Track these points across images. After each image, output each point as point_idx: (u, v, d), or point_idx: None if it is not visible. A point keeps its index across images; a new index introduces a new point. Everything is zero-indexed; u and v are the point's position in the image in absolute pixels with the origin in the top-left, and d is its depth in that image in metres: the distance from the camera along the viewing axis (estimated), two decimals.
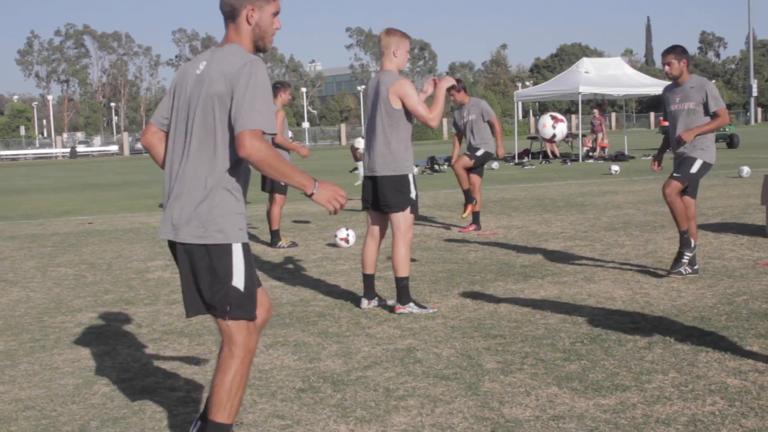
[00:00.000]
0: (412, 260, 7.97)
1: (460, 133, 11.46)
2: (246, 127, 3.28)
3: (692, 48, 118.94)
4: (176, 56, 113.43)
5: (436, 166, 26.48)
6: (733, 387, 4.43)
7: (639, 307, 6.34)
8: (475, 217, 11.28)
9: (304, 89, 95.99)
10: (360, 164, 17.85)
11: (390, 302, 6.69)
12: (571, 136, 33.94)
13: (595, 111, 31.72)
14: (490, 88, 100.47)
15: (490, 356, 5.19)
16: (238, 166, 3.45)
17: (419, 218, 12.30)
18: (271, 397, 4.58)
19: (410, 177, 6.44)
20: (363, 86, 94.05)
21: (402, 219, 6.41)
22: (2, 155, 70.46)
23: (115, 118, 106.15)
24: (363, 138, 11.44)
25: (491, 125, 11.10)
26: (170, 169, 3.50)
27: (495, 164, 25.79)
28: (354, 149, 21.39)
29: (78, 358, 5.54)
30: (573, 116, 58.87)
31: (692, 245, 7.38)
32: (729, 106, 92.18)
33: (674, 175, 7.34)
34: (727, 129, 31.62)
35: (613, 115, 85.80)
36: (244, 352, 3.45)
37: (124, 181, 28.89)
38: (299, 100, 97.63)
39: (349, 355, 5.35)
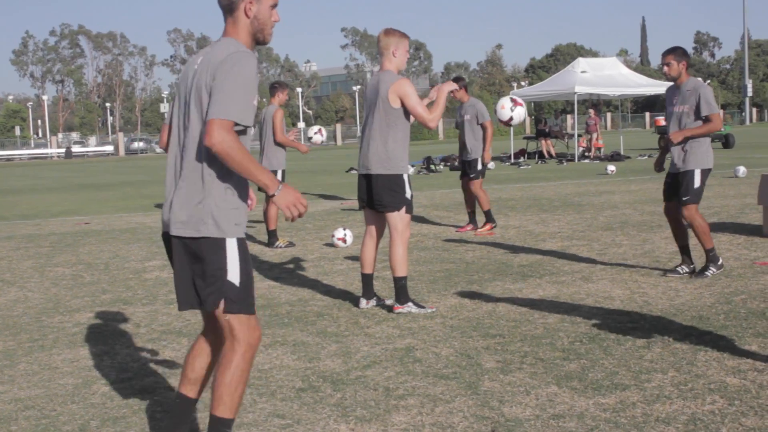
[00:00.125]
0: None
1: (458, 129, 11.52)
2: (216, 115, 3.24)
3: (687, 48, 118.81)
4: (171, 56, 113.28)
5: (432, 166, 26.50)
6: (732, 386, 4.44)
7: (637, 306, 6.35)
8: (471, 216, 11.35)
9: (299, 89, 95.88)
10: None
11: (388, 302, 6.69)
12: (567, 135, 34.00)
13: (591, 111, 31.72)
14: (485, 89, 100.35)
15: (490, 355, 5.20)
16: None
17: (416, 218, 12.31)
18: (271, 397, 4.58)
19: (405, 177, 6.44)
20: (358, 86, 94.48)
21: (398, 219, 6.42)
22: None
23: (110, 119, 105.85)
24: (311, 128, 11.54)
25: (483, 128, 11.12)
26: (169, 164, 3.51)
27: (491, 164, 25.77)
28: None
29: (77, 358, 5.54)
30: (569, 116, 58.94)
31: (719, 262, 7.36)
32: (724, 106, 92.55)
33: (684, 200, 7.22)
34: (722, 129, 31.65)
35: (609, 115, 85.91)
36: (245, 347, 3.43)
37: (120, 181, 28.84)
38: (294, 100, 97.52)
39: (348, 355, 5.35)
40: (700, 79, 7.67)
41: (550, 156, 30.26)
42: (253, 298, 3.50)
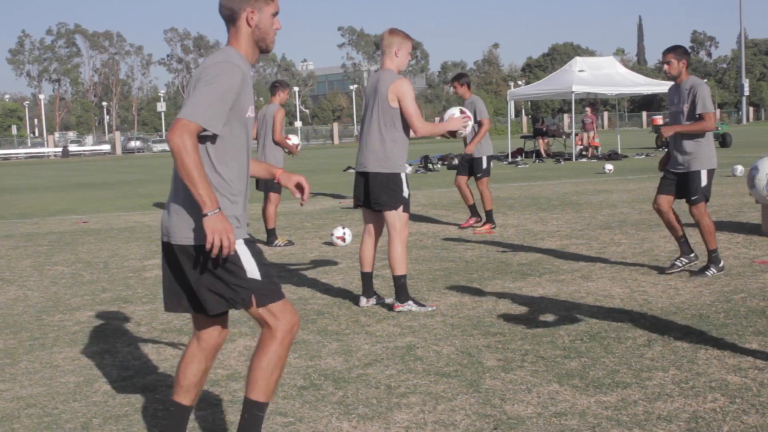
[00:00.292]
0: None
1: None
2: (183, 115, 3.25)
3: None
4: (168, 55, 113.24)
5: (430, 165, 26.50)
6: (733, 384, 4.45)
7: (637, 305, 6.36)
8: (473, 210, 11.42)
9: (296, 88, 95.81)
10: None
11: (388, 300, 6.70)
12: (564, 134, 34.03)
13: (587, 109, 31.75)
14: (482, 88, 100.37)
15: (491, 354, 5.21)
16: (231, 168, 3.43)
17: (415, 217, 12.31)
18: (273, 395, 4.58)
19: (402, 176, 6.45)
20: (355, 85, 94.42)
21: (396, 218, 6.43)
22: None
23: (106, 118, 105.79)
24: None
25: (479, 124, 11.15)
26: (173, 172, 3.52)
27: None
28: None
29: (78, 356, 5.54)
30: (566, 115, 59.00)
31: (721, 264, 7.39)
32: (721, 106, 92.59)
33: (693, 199, 7.25)
34: (719, 128, 31.71)
35: (606, 114, 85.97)
36: (283, 333, 3.46)
37: (117, 180, 28.82)
38: (291, 100, 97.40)
39: (349, 353, 5.36)
40: (699, 78, 7.69)
41: (548, 155, 30.27)
42: (279, 285, 3.54)
